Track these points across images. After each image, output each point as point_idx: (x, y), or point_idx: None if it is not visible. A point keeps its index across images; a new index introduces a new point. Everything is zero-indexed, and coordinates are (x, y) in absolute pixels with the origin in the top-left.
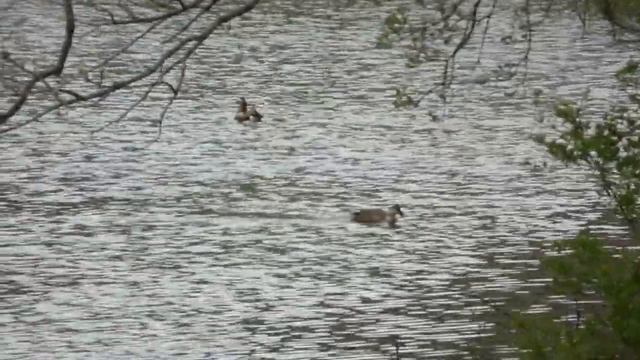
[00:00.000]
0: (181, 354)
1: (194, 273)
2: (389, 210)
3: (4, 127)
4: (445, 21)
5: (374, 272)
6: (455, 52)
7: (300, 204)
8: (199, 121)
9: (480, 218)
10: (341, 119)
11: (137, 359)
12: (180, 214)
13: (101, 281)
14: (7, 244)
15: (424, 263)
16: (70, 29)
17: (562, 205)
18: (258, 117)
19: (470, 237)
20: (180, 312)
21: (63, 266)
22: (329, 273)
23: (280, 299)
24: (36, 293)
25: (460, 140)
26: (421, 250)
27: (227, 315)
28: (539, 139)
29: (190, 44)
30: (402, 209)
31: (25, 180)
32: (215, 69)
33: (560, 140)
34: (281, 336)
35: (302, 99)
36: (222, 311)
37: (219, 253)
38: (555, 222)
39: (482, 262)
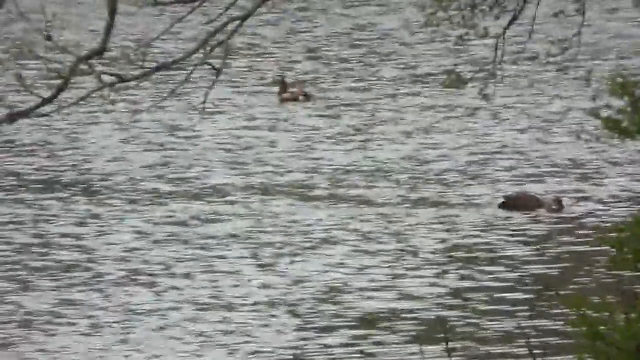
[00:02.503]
0: (287, 345)
1: (304, 261)
2: (548, 200)
3: (48, 109)
4: None
5: (481, 259)
6: (506, 29)
7: (422, 191)
8: (260, 105)
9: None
10: (442, 100)
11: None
12: (288, 204)
13: (205, 270)
14: (101, 234)
15: (525, 249)
16: (112, 11)
17: None
18: (308, 98)
19: (574, 221)
20: (291, 303)
21: (163, 256)
22: (437, 262)
23: (392, 289)
24: (133, 284)
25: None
26: (526, 237)
27: (341, 306)
28: (595, 114)
29: (234, 25)
30: (563, 202)
31: (120, 168)
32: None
33: (617, 116)
34: (394, 326)
35: (397, 83)
36: (339, 302)
37: (326, 242)
38: None
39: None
